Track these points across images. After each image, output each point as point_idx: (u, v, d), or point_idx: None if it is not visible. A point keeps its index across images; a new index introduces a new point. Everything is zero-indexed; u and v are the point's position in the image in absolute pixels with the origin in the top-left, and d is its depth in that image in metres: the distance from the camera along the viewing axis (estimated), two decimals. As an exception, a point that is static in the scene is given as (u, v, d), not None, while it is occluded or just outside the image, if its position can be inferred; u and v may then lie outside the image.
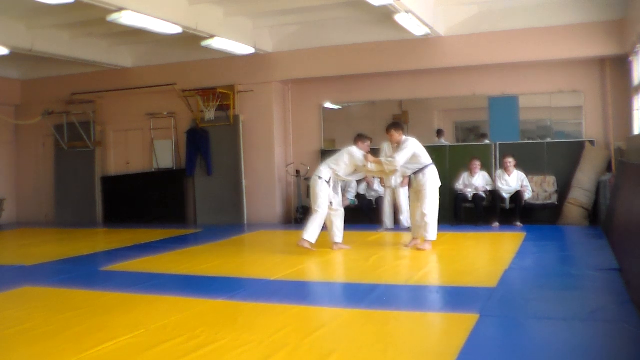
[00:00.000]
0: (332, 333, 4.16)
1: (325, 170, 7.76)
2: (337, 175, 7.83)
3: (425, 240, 7.69)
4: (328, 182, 7.70)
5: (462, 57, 10.49)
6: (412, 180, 7.99)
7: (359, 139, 8.08)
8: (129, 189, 12.97)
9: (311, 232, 7.60)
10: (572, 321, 4.24)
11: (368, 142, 8.11)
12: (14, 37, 10.18)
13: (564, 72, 10.47)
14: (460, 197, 10.20)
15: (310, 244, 7.62)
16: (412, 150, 7.61)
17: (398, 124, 8.13)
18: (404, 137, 7.80)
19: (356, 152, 7.80)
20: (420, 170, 7.68)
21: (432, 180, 7.67)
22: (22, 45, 10.30)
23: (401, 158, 7.57)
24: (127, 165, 13.24)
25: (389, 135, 7.93)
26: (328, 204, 7.71)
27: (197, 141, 12.14)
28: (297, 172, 11.83)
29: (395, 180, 9.67)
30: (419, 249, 7.62)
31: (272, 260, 7.37)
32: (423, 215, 7.63)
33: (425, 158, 7.72)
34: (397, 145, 9.56)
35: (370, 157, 7.75)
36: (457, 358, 3.53)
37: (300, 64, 11.57)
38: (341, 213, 7.98)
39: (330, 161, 7.87)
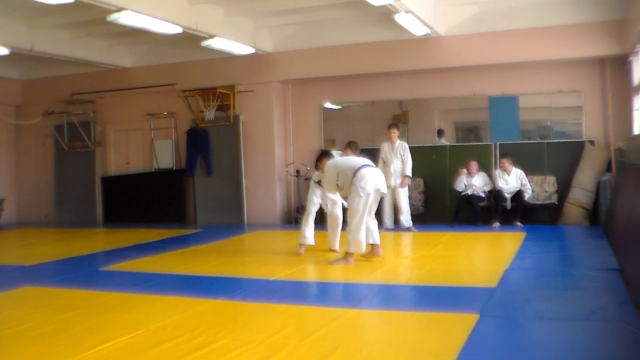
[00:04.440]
0: (332, 333, 4.15)
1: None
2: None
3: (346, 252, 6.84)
4: (318, 183, 7.65)
5: (462, 57, 10.49)
6: None
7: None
8: (129, 189, 12.97)
9: (301, 234, 7.76)
10: (572, 321, 4.25)
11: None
12: (14, 37, 10.17)
13: (564, 72, 10.46)
14: (460, 198, 10.19)
15: (305, 246, 7.73)
16: (328, 175, 6.96)
17: (351, 143, 7.77)
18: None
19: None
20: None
21: (357, 187, 6.65)
22: (22, 45, 10.30)
23: (326, 186, 7.20)
24: (127, 165, 13.24)
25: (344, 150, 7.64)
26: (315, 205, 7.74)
27: (197, 141, 12.13)
28: (297, 172, 11.82)
29: (395, 180, 9.72)
30: (331, 264, 6.86)
31: (272, 260, 7.37)
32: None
33: (353, 167, 6.78)
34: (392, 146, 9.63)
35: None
36: (457, 358, 3.53)
37: (300, 64, 11.56)
38: (333, 217, 7.67)
39: None
